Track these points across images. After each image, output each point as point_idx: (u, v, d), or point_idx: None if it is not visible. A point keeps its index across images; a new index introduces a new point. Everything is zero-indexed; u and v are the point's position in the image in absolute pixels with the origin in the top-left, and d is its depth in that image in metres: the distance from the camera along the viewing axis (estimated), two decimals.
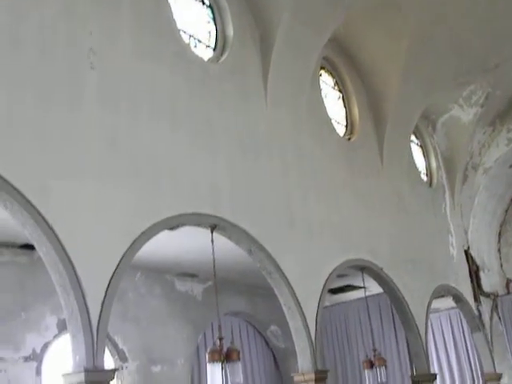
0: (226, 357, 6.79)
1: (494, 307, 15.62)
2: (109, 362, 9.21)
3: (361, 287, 11.57)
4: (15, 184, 5.44)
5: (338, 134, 11.19)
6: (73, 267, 5.75)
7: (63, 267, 5.73)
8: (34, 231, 5.73)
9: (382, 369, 10.29)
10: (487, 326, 14.87)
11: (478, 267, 15.44)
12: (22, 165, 5.59)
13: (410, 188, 13.11)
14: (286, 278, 8.45)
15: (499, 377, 14.71)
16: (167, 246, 9.03)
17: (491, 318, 15.25)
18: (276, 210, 8.74)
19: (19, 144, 5.60)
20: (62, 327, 8.58)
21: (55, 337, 8.77)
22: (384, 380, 10.31)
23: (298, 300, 8.59)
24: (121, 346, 9.61)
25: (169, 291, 10.73)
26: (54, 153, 5.89)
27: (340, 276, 10.52)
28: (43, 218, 5.62)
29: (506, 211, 17.06)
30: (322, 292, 9.19)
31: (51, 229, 5.66)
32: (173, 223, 7.02)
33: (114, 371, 6.15)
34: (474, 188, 15.58)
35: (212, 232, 7.54)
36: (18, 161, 5.55)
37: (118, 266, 6.09)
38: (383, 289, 11.21)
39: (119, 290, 6.53)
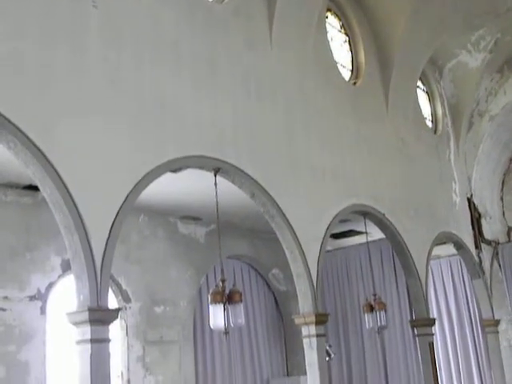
0: (228, 298, 6.88)
1: (495, 255, 15.74)
2: (112, 303, 9.36)
3: (363, 232, 11.63)
4: (18, 124, 5.40)
5: (343, 79, 11.04)
6: (76, 208, 5.77)
7: (67, 208, 5.74)
8: (37, 172, 5.72)
9: (382, 313, 10.44)
10: (487, 273, 15.01)
11: (480, 215, 15.48)
12: (26, 105, 5.53)
13: (414, 134, 13.02)
14: (288, 222, 8.49)
15: (497, 323, 14.96)
16: (170, 188, 9.04)
17: (491, 266, 15.40)
18: (279, 153, 8.70)
19: (22, 84, 5.53)
20: (66, 267, 8.68)
21: (59, 277, 8.88)
22: (383, 324, 10.47)
23: (300, 244, 8.64)
24: (124, 286, 9.74)
25: (172, 234, 10.80)
26: (58, 93, 5.83)
27: (342, 221, 10.56)
28: (47, 158, 5.60)
29: (511, 159, 16.98)
30: (324, 236, 9.24)
31: (55, 169, 5.65)
32: (176, 165, 7.00)
33: (117, 311, 6.23)
34: (479, 135, 15.47)
35: (215, 175, 7.53)
36: (21, 100, 5.49)
37: (121, 207, 6.10)
38: (385, 234, 11.26)
39: (123, 232, 6.56)
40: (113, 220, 6.02)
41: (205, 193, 8.13)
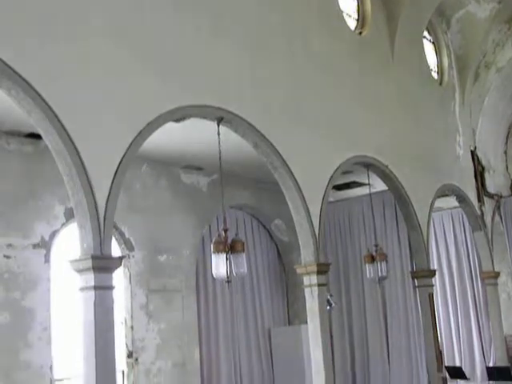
0: (230, 248, 6.91)
1: (497, 208, 15.78)
2: (116, 251, 9.43)
3: (365, 184, 11.63)
4: (21, 72, 5.33)
5: (348, 28, 10.85)
6: (79, 156, 5.75)
7: (69, 156, 5.72)
8: (39, 120, 5.68)
9: (383, 263, 10.52)
10: (488, 226, 15.07)
11: (483, 168, 15.45)
12: (28, 52, 5.45)
13: (419, 86, 12.88)
14: (291, 172, 8.47)
15: (497, 275, 15.11)
16: (173, 138, 9.00)
17: (493, 219, 15.45)
18: (283, 103, 8.62)
19: (24, 31, 5.44)
20: (69, 216, 8.71)
21: (63, 225, 8.93)
22: (384, 274, 10.56)
23: (302, 194, 8.65)
24: (127, 235, 9.80)
25: (175, 183, 10.80)
26: (59, 39, 5.74)
27: (345, 172, 10.55)
28: (49, 106, 5.55)
29: None
30: (326, 187, 9.24)
31: (57, 117, 5.61)
32: (179, 115, 6.95)
33: (120, 259, 6.28)
34: (485, 88, 15.30)
35: (218, 125, 7.48)
36: (23, 48, 5.41)
37: (124, 155, 6.08)
38: (388, 186, 11.27)
39: (125, 182, 6.57)
40: (115, 169, 6.01)
41: (207, 142, 8.10)
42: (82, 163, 5.76)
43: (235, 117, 7.56)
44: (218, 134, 7.40)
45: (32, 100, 5.47)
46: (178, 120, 7.27)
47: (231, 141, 7.88)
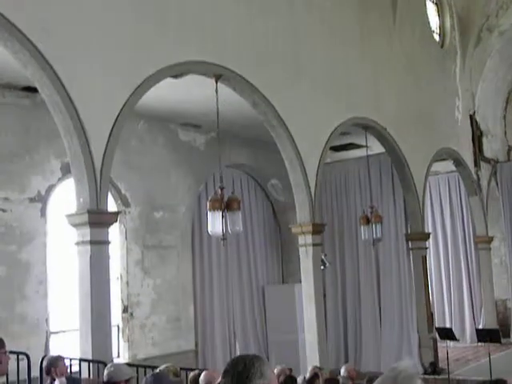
0: (226, 206, 6.92)
1: (493, 173, 15.79)
2: (112, 207, 9.44)
3: (363, 146, 11.61)
4: (16, 23, 5.26)
5: None
6: (76, 110, 5.72)
7: (66, 110, 5.69)
8: (36, 73, 5.63)
9: (378, 225, 10.57)
10: (484, 190, 15.12)
11: (481, 133, 15.41)
12: (24, 3, 5.37)
13: (420, 48, 12.75)
14: (289, 132, 8.45)
15: (490, 240, 15.23)
16: (171, 95, 8.93)
17: (489, 184, 15.48)
18: (282, 62, 8.54)
19: None
20: (65, 171, 8.69)
21: (59, 180, 8.92)
22: (379, 236, 10.62)
23: (299, 155, 8.65)
24: (124, 191, 9.81)
25: (172, 141, 10.77)
26: None
27: (343, 134, 10.51)
28: (45, 59, 5.50)
29: None
30: (324, 148, 9.23)
31: (53, 71, 5.56)
32: (177, 71, 6.90)
33: (116, 214, 6.32)
34: (487, 51, 15.13)
35: (216, 82, 7.42)
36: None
37: (121, 110, 6.05)
38: (385, 148, 11.25)
39: (122, 138, 6.55)
40: (113, 123, 5.98)
41: (205, 100, 8.03)
42: (79, 117, 5.73)
43: (234, 74, 7.50)
44: (216, 91, 7.34)
45: (28, 52, 5.41)
46: (176, 76, 7.20)
47: (230, 99, 7.83)
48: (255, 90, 7.84)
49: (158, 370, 5.15)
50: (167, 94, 8.67)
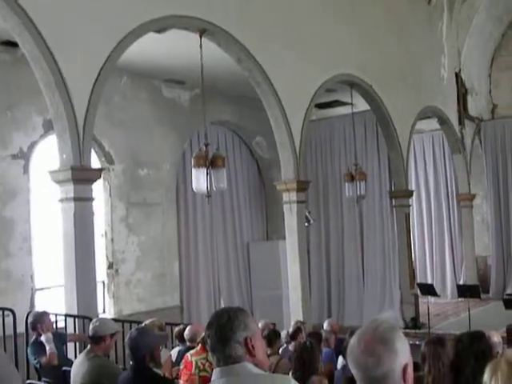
0: (210, 163, 6.90)
1: (477, 131, 15.84)
2: (96, 164, 9.39)
3: (348, 103, 11.55)
4: None
5: None
6: (57, 65, 5.62)
7: (47, 65, 5.60)
8: (15, 26, 5.50)
9: (362, 183, 10.60)
10: (468, 149, 15.19)
11: (466, 91, 15.38)
12: None
13: (407, 4, 12.59)
14: (274, 89, 8.39)
15: (473, 197, 15.39)
16: (154, 50, 8.78)
17: (473, 142, 15.55)
18: (269, 18, 8.42)
19: None
20: (48, 127, 8.57)
21: (42, 136, 8.82)
22: (363, 193, 10.67)
23: (284, 112, 8.60)
24: (107, 148, 9.73)
25: (155, 97, 10.65)
26: None
27: (328, 91, 10.45)
28: (25, 12, 5.37)
29: (503, 35, 16.57)
30: (309, 105, 9.19)
31: (34, 24, 5.44)
32: (161, 24, 6.77)
33: (100, 170, 6.28)
34: (474, 8, 14.98)
35: (201, 37, 7.30)
36: None
37: (103, 65, 5.95)
38: (370, 106, 11.22)
39: (105, 94, 6.45)
40: (95, 79, 5.90)
41: (190, 56, 7.92)
42: (60, 73, 5.64)
43: (218, 29, 7.39)
44: (201, 46, 7.23)
45: (6, 4, 5.28)
46: (159, 31, 7.07)
47: (214, 55, 7.73)
48: (240, 45, 7.74)
49: (143, 325, 5.21)
50: (150, 49, 8.53)
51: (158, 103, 10.66)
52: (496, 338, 3.63)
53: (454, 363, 2.71)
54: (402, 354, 1.79)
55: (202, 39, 7.33)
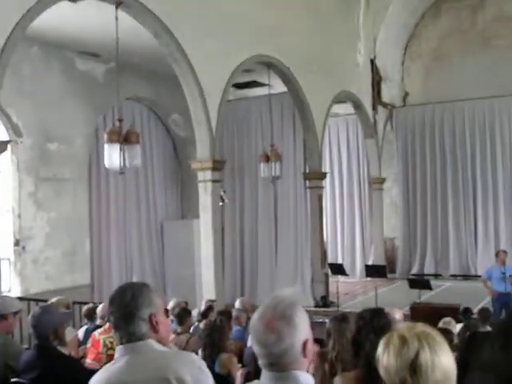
0: (124, 139, 6.76)
1: (389, 117, 16.33)
2: (3, 136, 9.00)
3: (265, 84, 11.60)
4: None
5: None
6: None
7: None
8: None
9: (277, 164, 10.72)
10: (380, 134, 15.66)
11: (380, 78, 15.79)
12: None
13: None
14: (191, 66, 8.30)
15: (383, 181, 15.93)
16: (68, 20, 8.46)
17: (385, 127, 16.04)
18: None
19: None
20: None
21: None
22: (278, 174, 10.80)
23: (202, 90, 8.54)
24: (15, 120, 9.32)
25: (68, 69, 10.28)
26: None
27: (246, 71, 10.45)
28: None
29: (416, 25, 17.05)
30: (226, 84, 9.15)
31: None
32: None
33: (6, 143, 6.03)
34: None
35: (117, 8, 7.09)
36: None
37: (11, 32, 5.68)
38: (287, 88, 11.32)
39: (13, 63, 6.19)
40: (2, 46, 5.62)
41: (105, 28, 7.69)
42: None
43: (135, 1, 7.21)
44: (116, 18, 7.03)
45: None
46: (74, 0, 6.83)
47: (131, 28, 7.54)
48: (158, 20, 7.58)
49: (48, 303, 5.08)
50: (64, 19, 8.22)
51: (70, 75, 10.31)
52: (398, 315, 3.78)
53: (355, 338, 2.80)
54: (302, 329, 1.81)
55: (118, 11, 7.13)
